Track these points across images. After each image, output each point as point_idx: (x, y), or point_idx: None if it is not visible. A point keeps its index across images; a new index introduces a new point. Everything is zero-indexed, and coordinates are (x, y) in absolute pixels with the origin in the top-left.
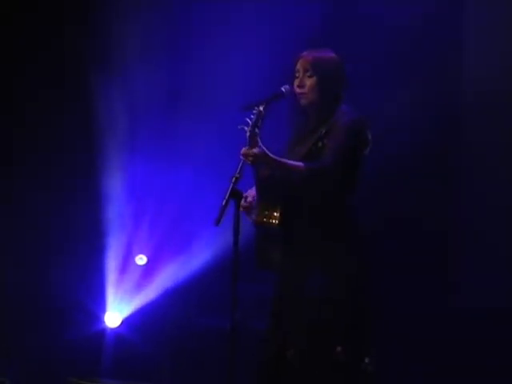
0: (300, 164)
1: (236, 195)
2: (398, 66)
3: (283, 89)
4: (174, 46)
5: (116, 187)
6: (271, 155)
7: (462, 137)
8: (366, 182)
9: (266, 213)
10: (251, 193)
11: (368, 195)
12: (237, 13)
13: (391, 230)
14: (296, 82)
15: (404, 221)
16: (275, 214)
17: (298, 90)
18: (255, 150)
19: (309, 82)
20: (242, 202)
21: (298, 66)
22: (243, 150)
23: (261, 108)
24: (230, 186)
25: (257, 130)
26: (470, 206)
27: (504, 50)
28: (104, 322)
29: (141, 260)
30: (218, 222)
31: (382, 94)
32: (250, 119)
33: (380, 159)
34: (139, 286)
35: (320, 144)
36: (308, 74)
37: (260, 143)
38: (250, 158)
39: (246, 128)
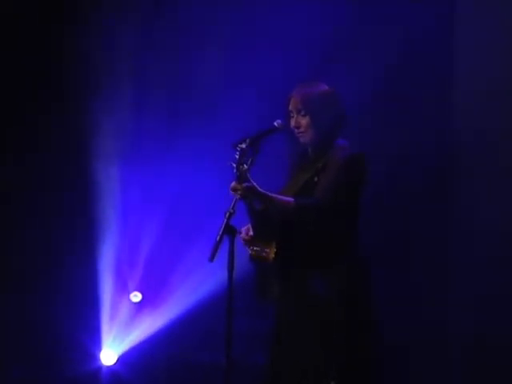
0: (290, 200)
1: (230, 231)
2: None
3: (276, 124)
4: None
5: (110, 224)
6: (260, 190)
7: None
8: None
9: (261, 248)
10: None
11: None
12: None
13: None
14: (292, 123)
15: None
16: (270, 249)
17: (295, 130)
18: (243, 185)
19: (303, 121)
20: (243, 234)
21: (291, 107)
22: (231, 184)
23: (243, 146)
24: (224, 222)
25: (245, 166)
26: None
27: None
28: (100, 359)
29: (135, 297)
30: (212, 258)
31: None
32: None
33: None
34: (134, 323)
35: (316, 179)
36: (301, 113)
37: (249, 178)
38: (239, 193)
39: (234, 164)
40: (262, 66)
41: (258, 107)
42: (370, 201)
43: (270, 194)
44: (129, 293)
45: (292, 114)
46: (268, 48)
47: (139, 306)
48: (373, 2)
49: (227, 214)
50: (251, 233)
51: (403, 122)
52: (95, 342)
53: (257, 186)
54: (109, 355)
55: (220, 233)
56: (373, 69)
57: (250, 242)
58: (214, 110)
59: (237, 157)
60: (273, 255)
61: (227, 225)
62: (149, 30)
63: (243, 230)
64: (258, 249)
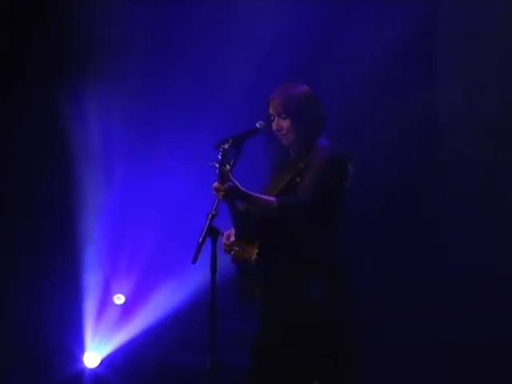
0: (272, 199)
1: (213, 232)
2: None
3: (258, 125)
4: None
5: (93, 226)
6: (243, 190)
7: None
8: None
9: (243, 248)
10: (233, 231)
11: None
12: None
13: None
14: (273, 125)
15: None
16: (252, 249)
17: (277, 133)
18: (225, 185)
19: (285, 124)
20: (225, 240)
21: (271, 110)
22: (214, 185)
23: (225, 146)
24: (207, 224)
25: (227, 167)
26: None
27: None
28: (83, 362)
29: (119, 299)
30: (194, 259)
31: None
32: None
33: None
34: (118, 325)
35: (298, 179)
36: (282, 116)
37: (231, 178)
38: (221, 193)
39: (216, 165)
40: (246, 66)
41: (242, 107)
42: (354, 203)
43: (252, 193)
44: (112, 295)
45: (273, 117)
46: (252, 47)
47: (122, 308)
48: (357, 4)
49: (210, 216)
50: (232, 238)
51: (387, 123)
52: (78, 345)
53: (239, 185)
54: (92, 358)
55: (203, 234)
56: (357, 70)
57: (229, 247)
58: (198, 109)
59: (219, 157)
60: (255, 256)
61: (210, 226)
62: (133, 27)
63: (225, 233)
64: (239, 249)
